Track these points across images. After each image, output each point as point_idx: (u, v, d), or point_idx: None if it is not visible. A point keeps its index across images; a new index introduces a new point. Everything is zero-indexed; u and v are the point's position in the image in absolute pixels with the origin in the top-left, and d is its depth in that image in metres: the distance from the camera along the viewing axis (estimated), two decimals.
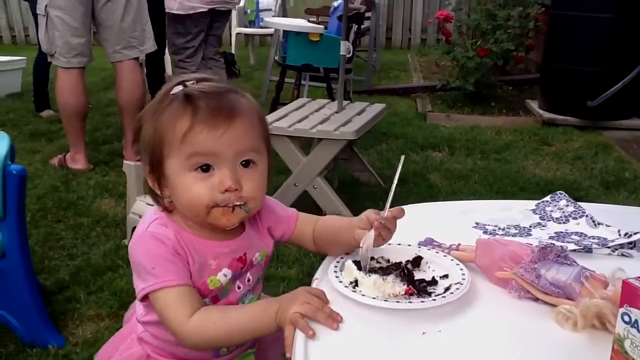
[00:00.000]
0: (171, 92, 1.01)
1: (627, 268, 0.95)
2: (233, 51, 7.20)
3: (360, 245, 1.02)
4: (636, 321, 0.66)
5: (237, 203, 0.99)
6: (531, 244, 1.01)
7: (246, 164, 1.00)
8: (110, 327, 2.15)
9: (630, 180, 3.64)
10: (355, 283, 0.98)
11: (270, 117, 3.18)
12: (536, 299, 0.95)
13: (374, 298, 0.93)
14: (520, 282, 0.96)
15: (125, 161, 2.85)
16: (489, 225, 1.26)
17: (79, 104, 3.57)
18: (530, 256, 0.97)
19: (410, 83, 6.44)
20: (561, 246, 0.99)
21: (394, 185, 1.05)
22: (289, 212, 1.16)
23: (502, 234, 1.21)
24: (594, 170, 3.82)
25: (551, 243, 1.00)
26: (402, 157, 1.08)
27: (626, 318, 0.68)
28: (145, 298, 1.01)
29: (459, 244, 1.11)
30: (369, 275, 0.97)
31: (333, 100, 3.71)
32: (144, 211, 2.64)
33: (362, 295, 0.94)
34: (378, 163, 3.89)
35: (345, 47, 3.29)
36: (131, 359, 1.12)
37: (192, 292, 0.99)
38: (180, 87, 1.01)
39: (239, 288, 1.08)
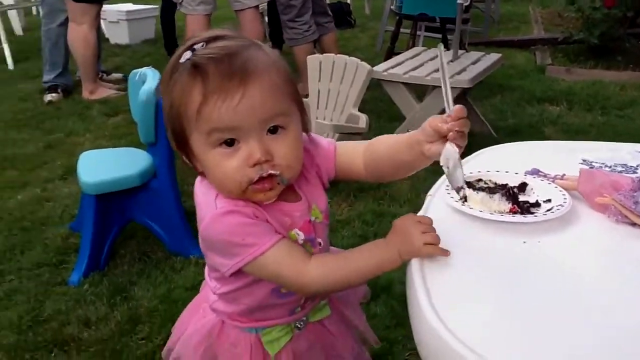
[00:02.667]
0: (180, 60, 0.90)
1: None
2: (348, 1, 7.28)
3: (442, 164, 0.89)
4: None
5: (272, 172, 0.91)
6: (632, 176, 1.11)
7: (274, 130, 0.91)
8: None
9: None
10: (465, 199, 1.12)
11: (385, 65, 3.32)
12: (633, 224, 1.05)
13: (481, 211, 1.08)
14: (619, 207, 1.06)
15: None
16: (595, 162, 1.34)
17: None
18: (631, 185, 1.08)
19: (529, 35, 6.24)
20: None
21: (447, 80, 0.91)
22: (325, 144, 1.06)
23: (608, 171, 1.30)
24: None
25: None
26: (440, 46, 0.96)
27: None
28: (237, 271, 0.95)
29: (564, 174, 1.22)
30: (477, 193, 1.12)
31: (448, 50, 3.76)
32: None
33: (471, 208, 1.09)
34: (491, 115, 3.91)
35: None
36: (205, 328, 1.09)
37: (294, 243, 0.97)
38: (188, 54, 0.90)
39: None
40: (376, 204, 2.73)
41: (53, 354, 1.86)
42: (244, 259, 0.92)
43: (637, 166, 1.34)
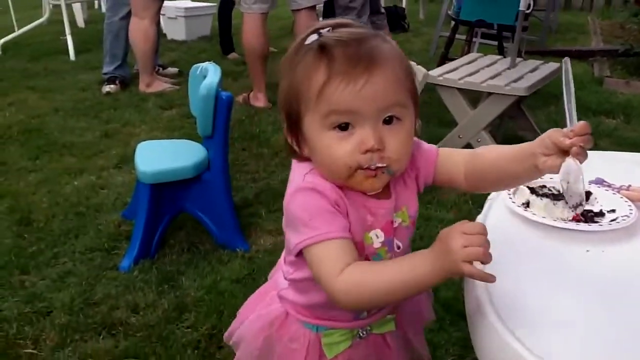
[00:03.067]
0: (306, 42, 0.91)
1: None
2: (404, 5, 7.25)
3: (561, 178, 0.86)
4: None
5: (380, 165, 0.89)
6: None
7: (389, 120, 0.89)
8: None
9: None
10: (527, 204, 1.11)
11: (440, 70, 3.29)
12: None
13: (543, 217, 1.06)
14: None
15: None
16: None
17: (259, 46, 3.94)
18: None
19: (588, 46, 6.07)
20: None
21: (572, 96, 0.90)
22: (427, 148, 1.03)
23: None
24: None
25: None
26: (567, 60, 0.95)
27: None
28: (299, 253, 0.92)
29: (630, 185, 1.18)
30: (541, 199, 1.10)
31: (505, 57, 3.69)
32: None
33: (533, 214, 1.07)
34: (545, 124, 3.82)
35: (524, 2, 3.26)
36: (269, 316, 1.08)
37: (351, 247, 0.90)
38: (315, 36, 0.90)
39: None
40: (423, 208, 2.70)
41: (101, 337, 1.90)
42: (305, 240, 0.89)
43: None
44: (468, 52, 4.45)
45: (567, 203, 0.89)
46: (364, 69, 0.86)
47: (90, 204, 2.75)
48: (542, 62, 3.50)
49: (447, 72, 3.21)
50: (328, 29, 0.91)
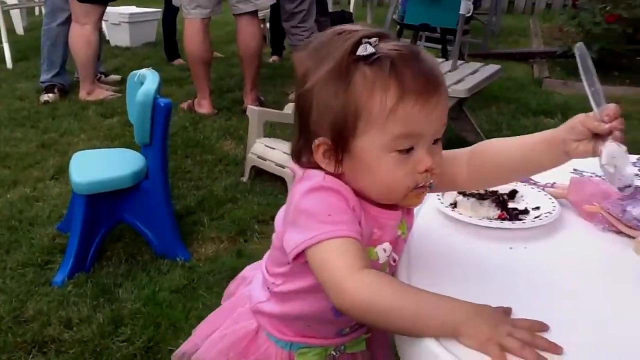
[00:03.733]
0: (359, 52, 0.82)
1: None
2: (351, 10, 7.30)
3: (604, 163, 0.83)
4: None
5: (431, 182, 0.87)
6: None
7: (436, 140, 0.87)
8: (228, 249, 2.43)
9: None
10: (455, 204, 1.11)
11: None
12: (619, 232, 1.03)
13: (470, 217, 1.06)
14: (607, 215, 1.04)
15: (249, 106, 3.11)
16: (586, 171, 1.32)
17: (200, 52, 3.88)
18: (620, 195, 1.05)
19: (528, 48, 6.25)
20: None
21: (594, 80, 0.88)
22: None
23: (598, 180, 1.28)
24: None
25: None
26: (580, 45, 0.92)
27: None
28: (298, 257, 0.85)
29: (554, 183, 1.20)
30: (468, 199, 1.10)
31: (447, 60, 3.75)
32: (262, 152, 2.92)
33: (460, 214, 1.07)
34: (486, 125, 3.90)
35: (465, 6, 3.32)
36: (235, 335, 1.01)
37: (365, 251, 0.85)
38: (368, 48, 0.82)
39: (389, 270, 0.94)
40: None
41: (31, 356, 1.82)
42: (324, 234, 0.81)
43: None
44: None
45: (614, 185, 0.86)
46: (434, 90, 0.82)
47: (23, 217, 2.64)
48: (482, 64, 3.57)
49: None
50: (375, 39, 0.83)
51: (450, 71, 3.34)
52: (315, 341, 0.99)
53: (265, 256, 1.03)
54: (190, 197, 2.84)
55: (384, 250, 0.90)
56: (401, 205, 0.91)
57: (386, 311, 0.78)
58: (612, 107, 0.83)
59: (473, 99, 3.81)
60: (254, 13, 3.94)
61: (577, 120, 0.85)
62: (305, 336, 0.98)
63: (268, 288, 0.98)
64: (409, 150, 0.83)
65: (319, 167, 0.88)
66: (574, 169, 1.35)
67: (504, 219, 1.08)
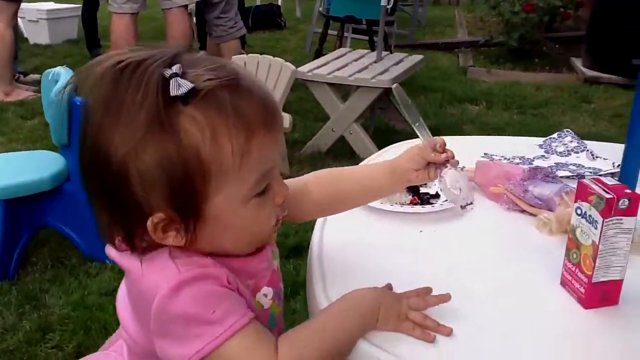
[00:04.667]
0: (172, 94, 0.66)
1: None
2: (279, 3, 7.29)
3: (449, 187, 0.90)
4: (585, 213, 0.81)
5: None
6: (523, 167, 1.15)
7: None
8: None
9: None
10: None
11: (310, 65, 3.33)
12: (522, 211, 1.10)
13: (381, 203, 1.10)
14: (510, 196, 1.11)
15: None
16: (496, 155, 1.40)
17: (129, 45, 3.77)
18: (521, 175, 1.12)
19: (453, 38, 6.43)
20: (550, 167, 1.13)
21: (416, 114, 0.94)
22: None
23: (506, 163, 1.35)
24: None
25: (541, 166, 1.14)
26: (395, 86, 0.97)
27: (578, 211, 0.83)
28: None
29: (464, 167, 1.25)
30: None
31: (373, 51, 3.82)
32: None
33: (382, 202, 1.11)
34: None
35: None
36: None
37: (261, 326, 0.74)
38: (182, 83, 0.67)
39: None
40: None
41: None
42: (210, 343, 0.68)
43: (534, 158, 1.40)
44: (340, 47, 4.55)
45: (461, 207, 1.00)
46: (274, 113, 0.73)
47: None
48: (406, 55, 3.65)
49: (317, 68, 3.26)
50: (177, 67, 0.67)
51: (375, 62, 3.41)
52: None
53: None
54: None
55: (265, 295, 0.81)
56: (265, 244, 0.81)
57: (323, 355, 0.74)
58: (440, 140, 0.91)
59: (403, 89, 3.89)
60: (184, 7, 3.88)
61: (414, 152, 0.91)
62: None
63: None
64: (265, 189, 0.73)
65: (156, 245, 0.71)
66: (485, 153, 1.42)
67: (415, 204, 1.13)
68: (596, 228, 0.79)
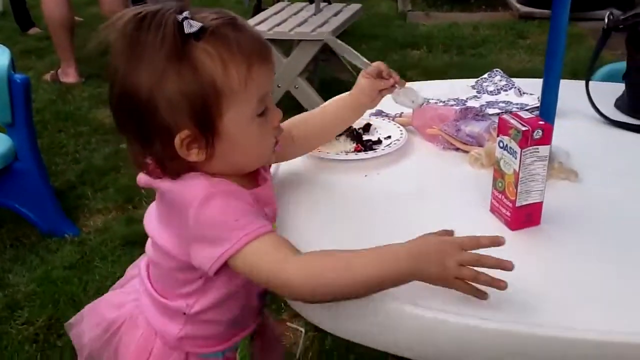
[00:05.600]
0: (186, 30, 0.79)
1: None
2: None
3: (401, 101, 1.12)
4: (507, 145, 0.90)
5: None
6: (455, 108, 1.24)
7: None
8: (117, 218, 2.43)
9: (596, 67, 3.83)
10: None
11: (250, 22, 3.32)
12: (457, 149, 1.19)
13: (327, 153, 1.17)
14: (445, 136, 1.20)
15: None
16: (432, 99, 1.48)
17: (62, 17, 3.68)
18: (454, 116, 1.21)
19: None
20: (480, 107, 1.22)
21: (353, 53, 1.12)
22: None
23: (442, 105, 1.44)
24: (565, 60, 3.98)
25: (472, 106, 1.23)
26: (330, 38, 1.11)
27: (501, 144, 0.92)
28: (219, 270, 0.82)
29: (402, 113, 1.34)
30: None
31: (312, 3, 3.81)
32: None
33: (319, 151, 1.17)
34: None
35: None
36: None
37: (284, 238, 0.84)
38: (193, 23, 0.79)
39: None
40: None
41: None
42: (233, 246, 0.79)
43: (467, 99, 1.49)
44: (278, 1, 4.51)
45: (413, 108, 1.18)
46: (268, 48, 0.86)
47: None
48: (344, 5, 3.67)
49: (257, 24, 3.26)
50: (187, 13, 0.80)
51: (314, 14, 3.42)
52: (246, 332, 1.00)
53: (145, 278, 0.98)
54: (69, 172, 2.77)
55: (275, 226, 0.93)
56: (267, 164, 0.95)
57: (335, 281, 0.77)
58: (382, 65, 1.07)
59: (343, 39, 3.93)
60: None
61: (365, 85, 1.08)
62: (241, 330, 0.98)
63: (184, 313, 0.92)
64: (264, 111, 0.86)
65: (186, 167, 0.84)
66: (423, 98, 1.50)
67: (359, 151, 1.20)
68: (516, 158, 0.89)
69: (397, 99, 1.13)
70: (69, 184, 2.68)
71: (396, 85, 1.09)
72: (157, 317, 0.96)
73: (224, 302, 0.91)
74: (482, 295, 0.76)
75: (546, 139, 0.88)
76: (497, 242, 0.76)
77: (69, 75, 3.81)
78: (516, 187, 0.90)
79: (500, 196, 0.94)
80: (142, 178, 0.89)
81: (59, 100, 3.56)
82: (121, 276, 1.11)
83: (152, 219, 0.94)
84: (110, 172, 2.75)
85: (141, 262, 1.03)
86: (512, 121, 0.89)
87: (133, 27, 0.80)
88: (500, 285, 0.74)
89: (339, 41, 1.07)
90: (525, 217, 0.93)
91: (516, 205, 0.91)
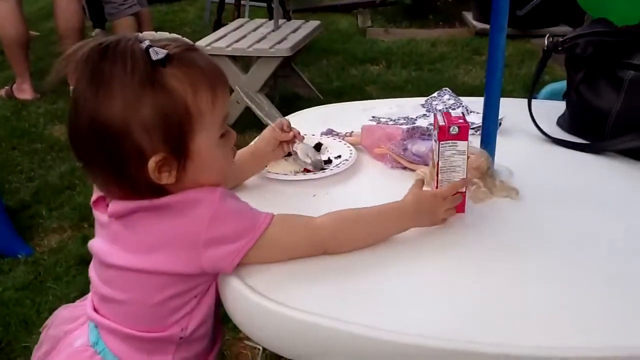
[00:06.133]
0: (154, 59, 0.83)
1: (477, 142, 1.23)
2: None
3: (300, 157, 1.20)
4: (434, 139, 1.04)
5: None
6: (402, 127, 1.27)
7: None
8: (73, 237, 2.39)
9: (547, 82, 3.96)
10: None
11: (209, 38, 3.34)
12: (404, 167, 1.22)
13: (276, 173, 1.19)
14: (393, 155, 1.23)
15: (73, 87, 2.99)
16: (383, 117, 1.51)
17: (16, 33, 3.62)
18: (401, 135, 1.24)
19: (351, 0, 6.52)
20: (427, 127, 1.26)
21: (263, 104, 1.18)
22: None
23: (392, 124, 1.47)
24: (517, 76, 4.12)
25: (419, 125, 1.26)
26: (236, 88, 1.16)
27: (434, 139, 1.04)
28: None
29: (352, 132, 1.36)
30: None
31: (271, 19, 3.84)
32: None
33: (268, 172, 1.19)
34: (318, 78, 4.09)
35: None
36: None
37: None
38: (159, 51, 0.83)
39: None
40: None
41: None
42: (265, 219, 0.89)
43: (417, 117, 1.53)
44: (238, 17, 4.53)
45: (314, 169, 1.22)
46: (222, 71, 0.92)
47: None
48: (303, 21, 3.71)
49: (216, 41, 3.27)
50: (147, 41, 0.85)
51: (273, 31, 3.45)
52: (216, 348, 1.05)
53: (111, 325, 0.95)
54: (23, 190, 2.72)
55: None
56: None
57: (355, 227, 0.96)
58: (285, 122, 1.18)
59: (303, 55, 3.98)
60: None
61: (268, 135, 1.17)
62: (211, 347, 1.02)
63: (180, 337, 0.93)
64: (224, 133, 0.92)
65: (155, 190, 0.87)
66: (372, 116, 1.53)
67: (309, 171, 1.22)
68: (437, 150, 1.01)
69: (295, 153, 1.20)
70: (23, 202, 2.63)
71: (295, 140, 1.18)
72: (136, 357, 0.94)
73: (209, 314, 0.95)
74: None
75: (463, 136, 1.00)
76: (464, 182, 1.03)
77: (24, 92, 3.75)
78: (437, 175, 1.03)
79: (432, 188, 1.06)
80: (117, 206, 0.89)
81: (13, 117, 3.50)
82: (76, 297, 1.11)
83: (113, 252, 0.91)
84: (65, 191, 2.71)
85: (75, 321, 1.01)
86: (439, 118, 1.01)
87: (97, 58, 0.83)
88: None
89: (247, 91, 1.13)
90: None
91: None
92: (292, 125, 1.19)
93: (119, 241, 0.91)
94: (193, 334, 0.94)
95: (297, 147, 1.19)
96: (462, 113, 1.51)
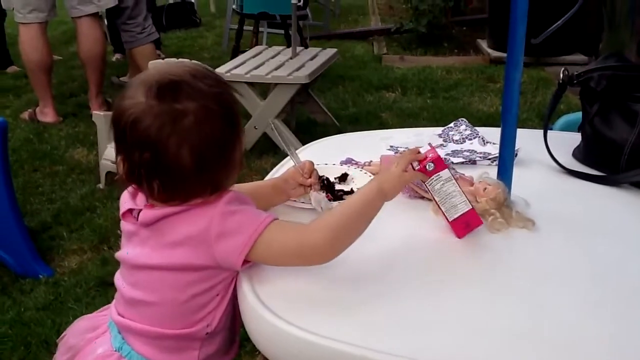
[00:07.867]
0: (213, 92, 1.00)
1: (494, 172, 1.25)
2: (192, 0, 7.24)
3: (314, 206, 1.18)
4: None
5: None
6: None
7: None
8: (92, 259, 2.44)
9: (563, 111, 3.98)
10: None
11: (228, 65, 3.41)
12: (422, 197, 1.25)
13: (294, 200, 1.22)
14: (411, 185, 1.25)
15: (94, 112, 3.07)
16: (400, 147, 1.55)
17: (41, 58, 3.71)
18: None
19: (367, 27, 6.63)
20: (446, 155, 1.29)
21: (290, 145, 1.23)
22: None
23: None
24: (532, 104, 4.15)
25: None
26: (273, 120, 1.26)
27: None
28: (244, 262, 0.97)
29: (371, 161, 1.40)
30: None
31: (289, 47, 3.92)
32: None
33: (294, 200, 1.22)
34: (334, 104, 4.15)
35: None
36: None
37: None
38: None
39: None
40: None
41: None
42: (263, 223, 0.96)
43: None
44: (256, 43, 4.62)
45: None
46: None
47: None
48: (320, 49, 3.78)
49: (235, 68, 3.34)
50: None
51: (291, 58, 3.52)
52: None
53: (137, 326, 1.03)
54: (44, 212, 2.77)
55: None
56: None
57: (343, 228, 1.00)
58: (308, 165, 1.21)
59: (320, 81, 4.05)
60: (95, 14, 3.83)
61: (289, 175, 1.22)
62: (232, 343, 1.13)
63: (207, 333, 1.02)
64: None
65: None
66: (390, 146, 1.56)
67: (330, 200, 1.25)
68: (428, 189, 1.10)
69: (312, 201, 1.20)
70: (44, 224, 2.68)
71: (312, 188, 1.21)
72: (163, 357, 1.03)
73: (230, 310, 1.04)
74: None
75: (440, 166, 1.07)
76: (418, 148, 1.11)
77: (47, 115, 3.84)
78: (440, 207, 1.10)
79: (444, 218, 1.11)
80: (147, 215, 1.00)
81: (35, 139, 3.58)
82: None
83: (143, 254, 1.01)
84: (86, 212, 2.76)
85: (95, 330, 1.10)
86: (414, 164, 1.08)
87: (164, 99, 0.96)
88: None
89: (282, 127, 1.19)
90: (464, 224, 1.10)
91: (450, 220, 1.10)
92: (313, 160, 1.25)
93: (147, 243, 1.01)
94: (216, 328, 1.03)
95: (312, 195, 1.21)
96: (479, 143, 1.55)
